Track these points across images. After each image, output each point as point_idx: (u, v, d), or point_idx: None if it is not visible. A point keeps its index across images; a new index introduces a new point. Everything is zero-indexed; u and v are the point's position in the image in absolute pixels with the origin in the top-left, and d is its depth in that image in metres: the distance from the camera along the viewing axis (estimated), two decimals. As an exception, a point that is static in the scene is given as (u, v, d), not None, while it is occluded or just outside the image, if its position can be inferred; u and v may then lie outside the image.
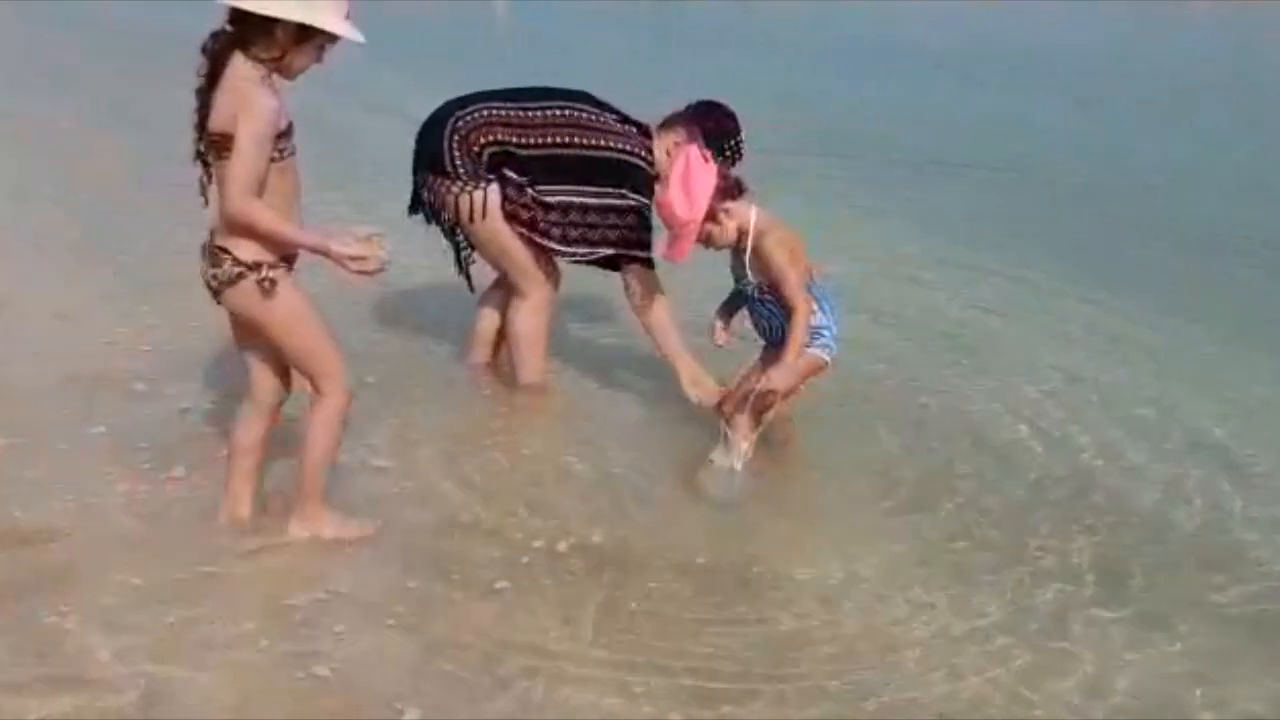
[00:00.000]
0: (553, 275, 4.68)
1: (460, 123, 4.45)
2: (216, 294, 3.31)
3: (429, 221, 4.64)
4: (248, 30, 3.14)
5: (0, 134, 8.94)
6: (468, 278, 4.80)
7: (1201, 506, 4.07)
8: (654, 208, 4.18)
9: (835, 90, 13.21)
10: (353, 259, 3.21)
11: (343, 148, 7.84)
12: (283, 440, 3.66)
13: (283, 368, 3.51)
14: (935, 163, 9.70)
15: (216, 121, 3.16)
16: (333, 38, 3.20)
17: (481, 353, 4.94)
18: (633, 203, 4.46)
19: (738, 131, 4.54)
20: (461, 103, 4.52)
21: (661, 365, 4.60)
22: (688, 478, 4.14)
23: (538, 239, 4.51)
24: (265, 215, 3.17)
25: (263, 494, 3.66)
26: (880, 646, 3.19)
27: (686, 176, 4.00)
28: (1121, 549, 3.75)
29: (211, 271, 3.27)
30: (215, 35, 3.18)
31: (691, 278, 4.64)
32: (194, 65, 3.22)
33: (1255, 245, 7.53)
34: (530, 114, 4.47)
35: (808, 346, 4.07)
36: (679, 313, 4.56)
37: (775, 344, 4.20)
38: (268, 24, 3.11)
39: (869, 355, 5.16)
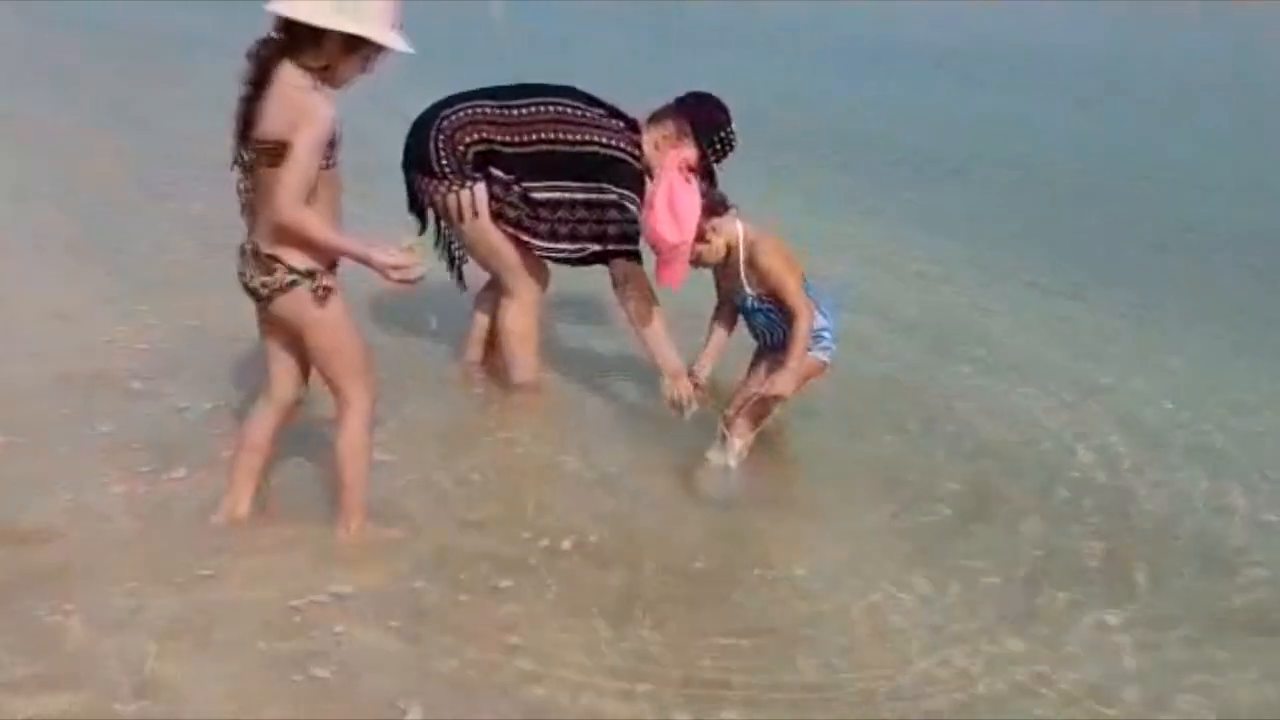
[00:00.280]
0: (542, 274, 4.67)
1: (445, 122, 4.44)
2: (265, 300, 3.31)
3: (421, 221, 4.63)
4: (296, 39, 3.14)
5: (0, 134, 8.93)
6: (459, 277, 4.80)
7: (1205, 511, 4.06)
8: (642, 232, 4.15)
9: (835, 90, 13.21)
10: (395, 268, 3.23)
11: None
12: (287, 441, 3.66)
13: (305, 367, 3.52)
14: (935, 162, 9.70)
15: (267, 129, 3.16)
16: (380, 48, 3.20)
17: (476, 352, 4.94)
18: (620, 198, 4.43)
19: (728, 122, 4.51)
20: (448, 102, 4.52)
21: (643, 364, 4.59)
22: (684, 476, 4.13)
23: (524, 237, 4.49)
24: (314, 222, 3.18)
25: (265, 493, 3.65)
26: (884, 649, 3.18)
27: (671, 200, 3.97)
28: (1126, 550, 3.74)
29: (261, 279, 3.27)
30: (263, 42, 3.18)
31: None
32: (237, 71, 3.22)
33: (1256, 245, 7.53)
34: (515, 112, 4.45)
35: (808, 350, 4.07)
36: (675, 317, 4.55)
37: (775, 348, 4.19)
38: (316, 33, 3.11)
39: (869, 355, 5.16)
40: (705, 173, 4.47)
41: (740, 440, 4.13)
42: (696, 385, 4.28)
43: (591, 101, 4.57)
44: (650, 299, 4.45)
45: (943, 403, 4.81)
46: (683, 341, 4.48)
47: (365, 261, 3.26)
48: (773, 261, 4.05)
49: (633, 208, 4.43)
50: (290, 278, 3.25)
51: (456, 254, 4.71)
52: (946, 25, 19.78)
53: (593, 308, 5.50)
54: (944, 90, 13.44)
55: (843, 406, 4.65)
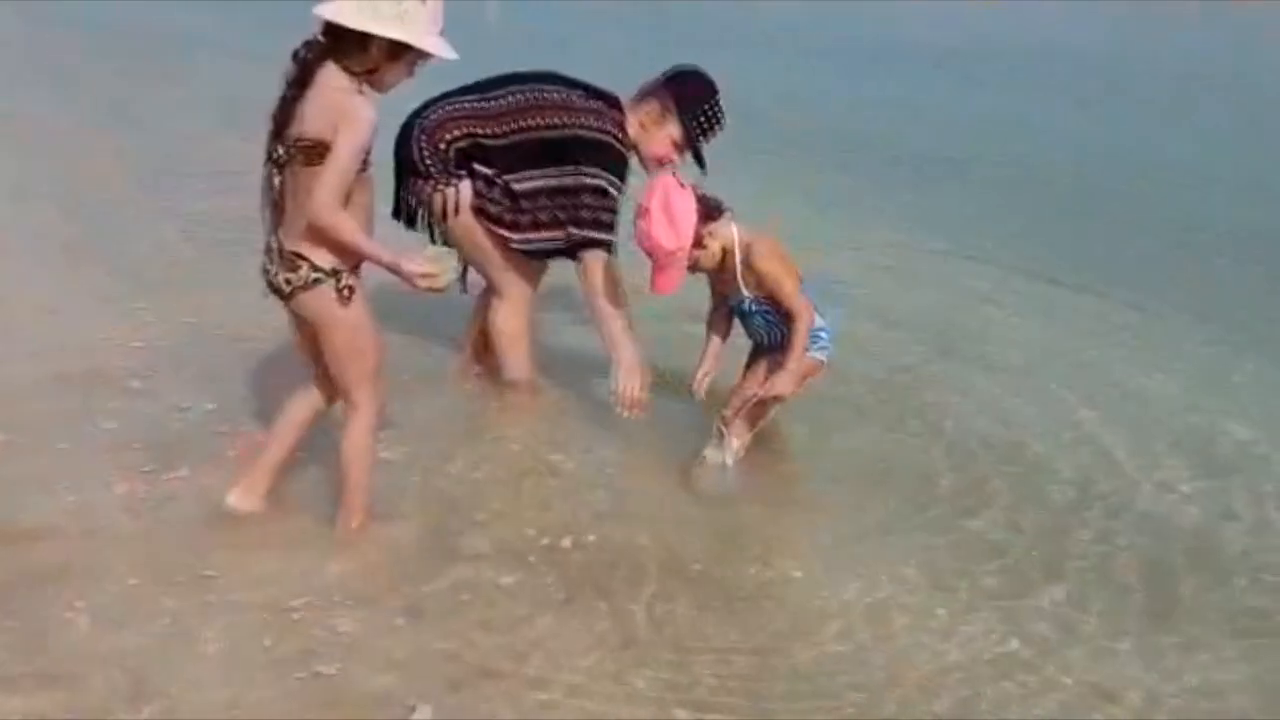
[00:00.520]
0: (532, 273, 4.63)
1: (426, 122, 4.42)
2: (287, 297, 3.34)
3: (409, 226, 4.57)
4: (341, 42, 3.16)
5: (0, 134, 8.93)
6: (463, 279, 4.78)
7: (1204, 510, 4.06)
8: (637, 240, 4.10)
9: (835, 90, 13.20)
10: (423, 276, 3.26)
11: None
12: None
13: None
14: (935, 162, 9.69)
15: (308, 128, 3.17)
16: (426, 54, 3.22)
17: (474, 351, 4.92)
18: (598, 182, 4.35)
19: (712, 95, 4.43)
20: (429, 103, 4.49)
21: (649, 363, 4.57)
22: (681, 474, 4.13)
23: (503, 232, 4.44)
24: (349, 226, 3.20)
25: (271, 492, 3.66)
26: (884, 648, 3.18)
27: (667, 205, 3.94)
28: (1126, 549, 3.75)
29: (285, 276, 3.29)
30: (308, 43, 3.20)
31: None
32: (283, 72, 3.24)
33: (1257, 245, 7.53)
34: (494, 103, 4.42)
35: (807, 350, 4.07)
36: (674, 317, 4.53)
37: (773, 348, 4.18)
38: (362, 38, 3.14)
39: (868, 354, 5.15)
40: (692, 151, 4.42)
41: (738, 439, 4.13)
42: (698, 397, 4.22)
43: (572, 84, 4.49)
44: (619, 293, 4.37)
45: (942, 402, 4.81)
46: (683, 342, 4.48)
47: (394, 270, 3.29)
48: (769, 264, 4.04)
49: (613, 191, 4.36)
50: (314, 275, 3.27)
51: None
52: (946, 25, 19.78)
53: (585, 305, 5.51)
54: (944, 90, 13.44)
55: (841, 405, 4.65)
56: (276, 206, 3.33)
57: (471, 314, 4.93)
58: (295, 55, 3.22)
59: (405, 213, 4.56)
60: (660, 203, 3.94)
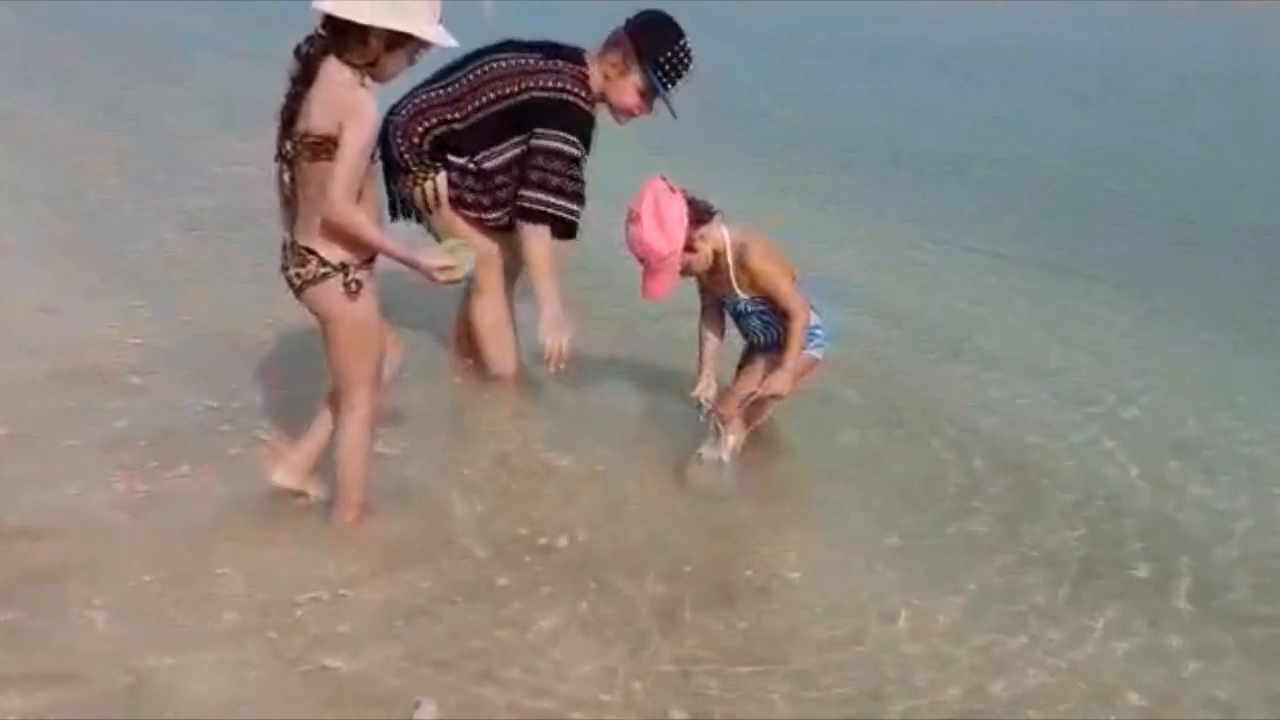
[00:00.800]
0: (511, 264, 4.60)
1: (397, 118, 4.42)
2: (297, 291, 3.37)
3: (418, 221, 4.57)
4: (342, 36, 3.18)
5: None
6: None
7: (1204, 509, 4.06)
8: (628, 246, 4.05)
9: (836, 89, 13.19)
10: (441, 270, 3.30)
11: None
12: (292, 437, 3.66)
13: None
14: (936, 161, 9.68)
15: (314, 124, 3.19)
16: (425, 43, 3.24)
17: (462, 346, 4.89)
18: (554, 143, 4.29)
19: (677, 39, 4.37)
20: (402, 99, 4.46)
21: (644, 361, 4.58)
22: (676, 472, 4.12)
23: (480, 215, 4.41)
24: (361, 219, 3.23)
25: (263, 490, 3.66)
26: (881, 649, 3.18)
27: (657, 210, 3.92)
28: (1125, 548, 3.75)
29: (296, 270, 3.33)
30: (310, 39, 3.22)
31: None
32: (287, 69, 3.27)
33: (1258, 244, 7.52)
34: (453, 87, 4.39)
35: (803, 349, 4.06)
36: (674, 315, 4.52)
37: (769, 347, 4.18)
38: (361, 30, 3.15)
39: (867, 353, 5.16)
40: (654, 98, 4.36)
41: (734, 436, 4.13)
42: (710, 411, 4.18)
43: (529, 47, 4.43)
44: (552, 262, 4.33)
45: (941, 400, 4.81)
46: (680, 341, 4.47)
47: (411, 264, 3.32)
48: (764, 263, 4.04)
49: (567, 149, 4.29)
50: (323, 270, 3.29)
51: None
52: (947, 24, 19.76)
53: (587, 305, 5.50)
54: (944, 89, 13.43)
55: (839, 404, 4.64)
56: (288, 203, 3.37)
57: (459, 309, 4.90)
58: (298, 51, 3.24)
59: (402, 209, 4.57)
60: (650, 208, 3.92)
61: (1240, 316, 6.07)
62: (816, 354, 4.17)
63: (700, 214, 4.01)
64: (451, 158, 4.38)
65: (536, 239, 4.35)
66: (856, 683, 3.02)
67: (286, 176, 3.33)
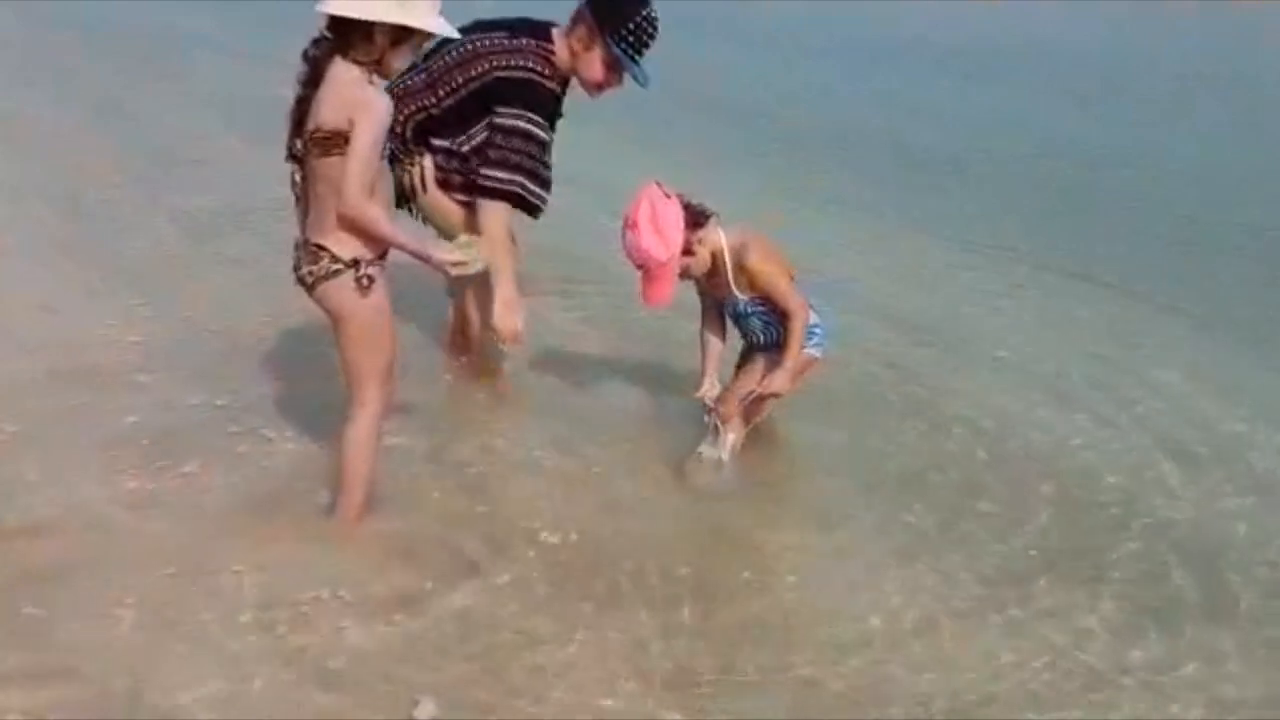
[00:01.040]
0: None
1: None
2: (310, 289, 3.39)
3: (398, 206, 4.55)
4: (346, 35, 3.22)
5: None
6: None
7: (1204, 508, 4.06)
8: (626, 253, 4.01)
9: (836, 88, 13.19)
10: (454, 264, 3.36)
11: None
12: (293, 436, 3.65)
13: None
14: (936, 161, 9.67)
15: (323, 120, 3.23)
16: (429, 36, 3.29)
17: (457, 345, 4.86)
18: (512, 120, 4.25)
19: (639, 9, 4.31)
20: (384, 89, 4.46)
21: (643, 361, 4.56)
22: (676, 471, 4.12)
23: (464, 197, 4.38)
24: (375, 213, 3.26)
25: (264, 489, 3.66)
26: (879, 650, 3.18)
27: (653, 216, 3.91)
28: (1124, 547, 3.75)
29: (308, 268, 3.35)
30: (316, 41, 3.27)
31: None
32: (295, 71, 3.30)
33: (1258, 244, 7.52)
34: (430, 72, 4.37)
35: (803, 348, 4.06)
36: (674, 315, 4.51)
37: (771, 347, 4.18)
38: (366, 28, 3.19)
39: (866, 352, 5.15)
40: (623, 70, 4.30)
41: (734, 435, 4.13)
42: (710, 410, 4.17)
43: (495, 26, 4.40)
44: (508, 242, 4.29)
45: (941, 400, 4.80)
46: (680, 340, 4.46)
47: (424, 258, 3.37)
48: (761, 264, 4.04)
49: (524, 125, 4.25)
50: (335, 266, 3.32)
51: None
52: (947, 24, 19.76)
53: (584, 304, 5.50)
54: (945, 89, 13.42)
55: (838, 403, 4.64)
56: (299, 202, 3.39)
57: (453, 308, 4.88)
58: (305, 55, 3.28)
59: (397, 198, 4.56)
60: (647, 214, 3.91)
61: (1241, 317, 6.07)
62: (816, 353, 4.18)
63: (697, 217, 4.00)
64: (436, 141, 4.36)
65: (493, 215, 4.30)
66: (857, 684, 3.02)
67: (297, 175, 3.36)
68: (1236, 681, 3.10)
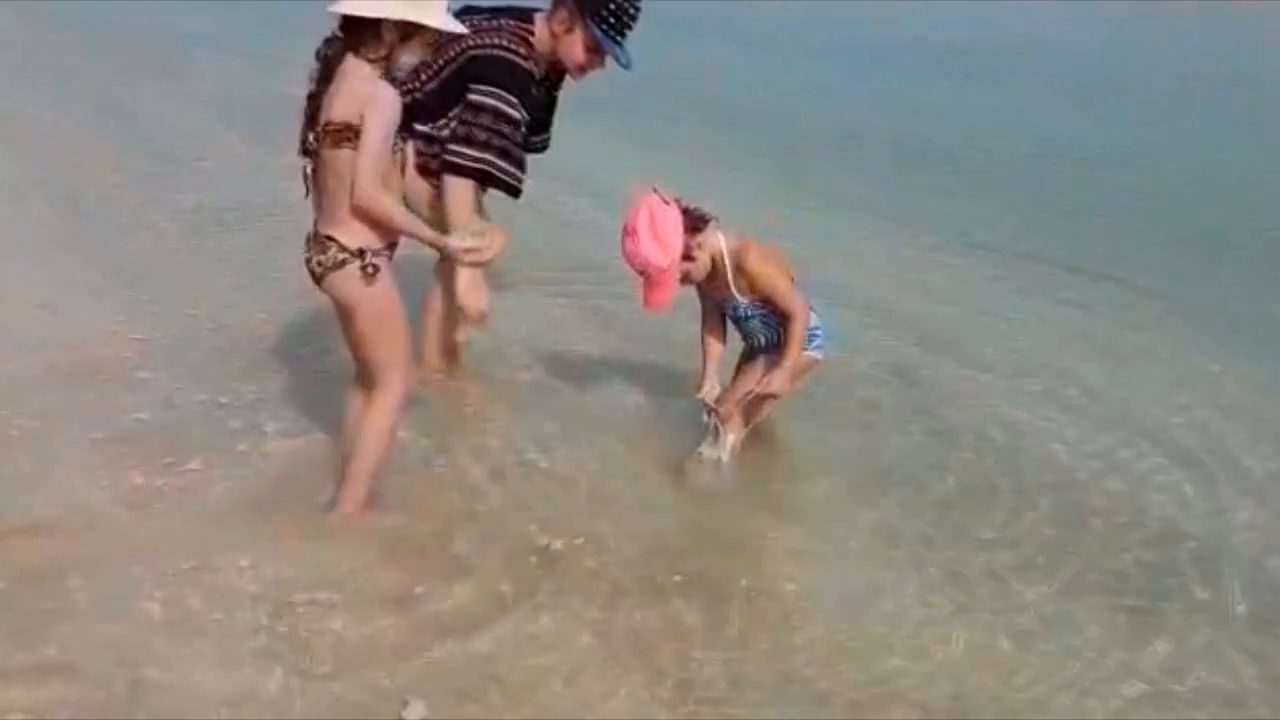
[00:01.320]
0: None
1: None
2: (319, 280, 3.44)
3: None
4: (356, 34, 3.30)
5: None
6: None
7: (1201, 509, 4.06)
8: (626, 259, 3.98)
9: (836, 88, 13.20)
10: (468, 251, 3.44)
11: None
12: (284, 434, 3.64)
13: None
14: (936, 160, 9.69)
15: (334, 113, 3.30)
16: (437, 33, 3.36)
17: (444, 343, 4.76)
18: (481, 98, 4.20)
19: None
20: None
21: (643, 361, 4.54)
22: (675, 471, 4.12)
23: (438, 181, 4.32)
24: (388, 202, 3.34)
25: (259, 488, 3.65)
26: (877, 650, 3.17)
27: (652, 223, 3.91)
28: (1124, 549, 3.74)
29: (317, 259, 3.41)
30: (328, 40, 3.36)
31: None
32: (308, 70, 3.36)
33: (1258, 243, 7.53)
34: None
35: (804, 349, 4.07)
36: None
37: (772, 349, 4.18)
38: (374, 25, 3.28)
39: (867, 353, 5.15)
40: (603, 54, 4.26)
41: (733, 435, 4.13)
42: (710, 410, 4.17)
43: (474, 10, 4.40)
44: (474, 220, 4.15)
45: (942, 401, 4.80)
46: (681, 340, 4.45)
47: (438, 245, 3.49)
48: (761, 266, 4.04)
49: (493, 103, 4.20)
50: (341, 256, 3.37)
51: None
52: (947, 25, 19.78)
53: (583, 305, 5.51)
54: (945, 88, 13.44)
55: (838, 403, 4.64)
56: (311, 194, 3.45)
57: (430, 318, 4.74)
58: (318, 54, 3.36)
59: None
60: (645, 221, 3.91)
61: (1242, 317, 6.07)
62: (816, 354, 4.18)
63: (695, 222, 4.00)
64: (417, 127, 4.29)
65: (456, 193, 4.24)
66: (859, 686, 3.01)
67: (309, 169, 3.43)
68: (1245, 687, 3.10)
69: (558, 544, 3.58)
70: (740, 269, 4.06)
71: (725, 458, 4.12)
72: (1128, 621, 3.33)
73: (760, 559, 3.62)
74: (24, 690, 2.81)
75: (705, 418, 4.16)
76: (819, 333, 4.17)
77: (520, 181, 4.36)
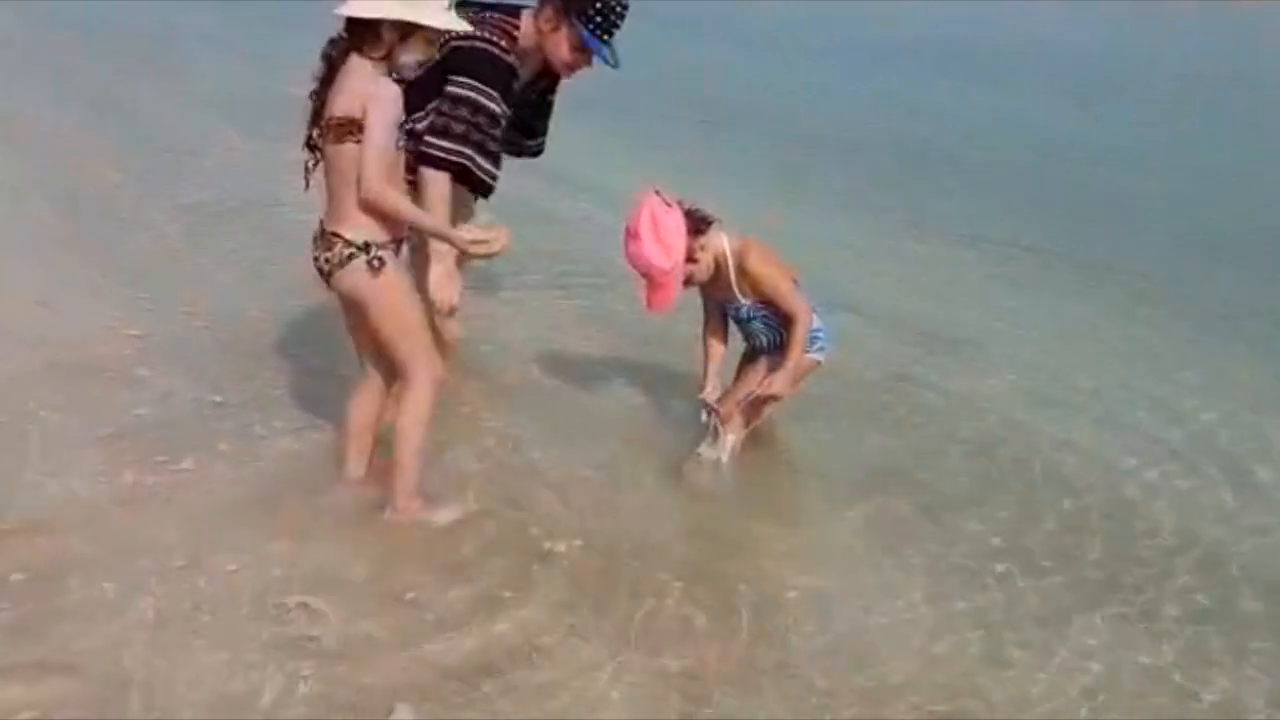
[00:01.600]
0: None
1: None
2: (327, 277, 3.48)
3: None
4: (358, 34, 3.36)
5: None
6: None
7: (1202, 510, 4.06)
8: (629, 262, 3.98)
9: (836, 88, 13.20)
10: (475, 243, 3.51)
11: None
12: (275, 434, 3.63)
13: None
14: (936, 161, 9.70)
15: (337, 108, 3.36)
16: (437, 32, 3.41)
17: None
18: (460, 89, 4.16)
19: None
20: None
21: (643, 361, 4.53)
22: (675, 472, 4.11)
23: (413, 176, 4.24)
24: (395, 195, 3.40)
25: (253, 483, 3.64)
26: (876, 651, 3.17)
27: (655, 225, 3.91)
28: (1125, 550, 3.75)
29: (324, 256, 3.45)
30: (332, 42, 3.42)
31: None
32: (313, 70, 3.42)
33: (1258, 243, 7.53)
34: None
35: (805, 351, 4.06)
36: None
37: (774, 350, 4.17)
38: (375, 25, 3.34)
39: (868, 353, 5.15)
40: (590, 53, 4.22)
41: (733, 436, 4.12)
42: (710, 410, 4.16)
43: (463, 5, 4.22)
44: (448, 214, 4.13)
45: (943, 402, 4.80)
46: (680, 342, 4.44)
47: (446, 238, 3.57)
48: (763, 267, 4.04)
49: (472, 95, 4.16)
50: (347, 251, 3.41)
51: None
52: (947, 25, 19.78)
53: (583, 305, 5.50)
54: (945, 88, 13.44)
55: (838, 404, 4.64)
56: (310, 188, 3.49)
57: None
58: (323, 55, 3.42)
59: None
60: (648, 224, 3.90)
61: (1243, 317, 6.07)
62: (818, 356, 4.18)
63: (698, 223, 4.00)
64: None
65: (433, 186, 4.18)
66: (858, 687, 3.01)
67: (311, 164, 3.47)
68: (1251, 691, 3.09)
69: (558, 545, 3.58)
70: (743, 270, 4.05)
71: (725, 458, 4.12)
72: (1132, 623, 3.33)
73: (760, 559, 3.62)
74: (24, 688, 2.81)
75: (705, 418, 4.15)
76: (821, 335, 4.17)
77: (494, 179, 4.31)
